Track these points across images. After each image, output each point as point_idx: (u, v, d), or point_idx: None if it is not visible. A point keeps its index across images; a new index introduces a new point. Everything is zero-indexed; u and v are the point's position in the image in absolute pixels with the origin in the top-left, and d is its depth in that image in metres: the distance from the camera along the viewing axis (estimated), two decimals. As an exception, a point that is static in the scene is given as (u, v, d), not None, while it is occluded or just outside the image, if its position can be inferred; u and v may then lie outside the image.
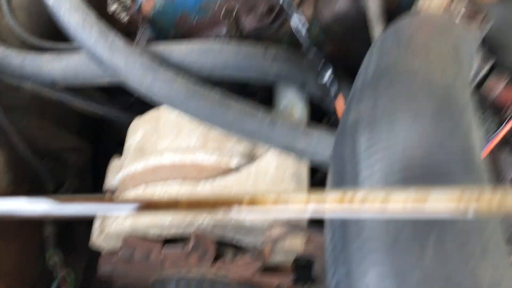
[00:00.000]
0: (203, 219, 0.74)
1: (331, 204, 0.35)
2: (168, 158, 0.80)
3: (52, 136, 1.21)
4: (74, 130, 1.33)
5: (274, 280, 0.84)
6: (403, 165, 0.35)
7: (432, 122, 0.37)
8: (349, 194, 0.34)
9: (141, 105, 0.99)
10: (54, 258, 1.13)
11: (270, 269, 0.86)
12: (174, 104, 0.73)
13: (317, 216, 0.36)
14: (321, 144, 0.74)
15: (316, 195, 0.35)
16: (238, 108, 0.72)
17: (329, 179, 0.41)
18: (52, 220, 1.17)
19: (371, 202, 0.33)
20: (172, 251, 0.75)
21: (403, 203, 0.33)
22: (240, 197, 0.37)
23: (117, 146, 1.48)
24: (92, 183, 1.34)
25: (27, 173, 1.16)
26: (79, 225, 1.35)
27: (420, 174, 0.35)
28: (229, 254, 0.82)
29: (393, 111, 0.38)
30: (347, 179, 0.38)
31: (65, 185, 1.16)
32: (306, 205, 0.35)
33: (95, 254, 1.39)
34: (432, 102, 0.39)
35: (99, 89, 1.23)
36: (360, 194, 0.34)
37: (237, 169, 0.81)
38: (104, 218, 0.84)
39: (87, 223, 1.35)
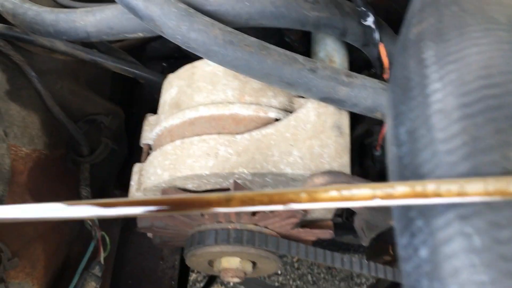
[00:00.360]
0: (243, 170, 0.73)
1: (399, 198, 0.32)
2: (204, 111, 0.79)
3: (85, 100, 1.22)
4: (107, 95, 1.34)
5: (314, 234, 0.83)
6: (480, 74, 0.32)
7: (507, 33, 0.34)
8: (419, 187, 0.31)
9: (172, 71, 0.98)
10: (91, 219, 1.14)
11: (309, 224, 0.85)
12: (211, 52, 0.71)
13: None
14: (364, 92, 0.71)
15: (382, 189, 0.32)
16: (277, 55, 0.69)
17: (390, 99, 0.39)
18: (87, 183, 1.18)
19: (444, 194, 0.30)
20: (212, 202, 0.74)
21: (481, 194, 0.29)
22: (296, 193, 0.34)
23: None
24: (127, 147, 1.35)
25: (62, 136, 1.17)
26: (114, 188, 1.36)
27: (502, 81, 0.32)
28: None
29: (462, 24, 0.35)
30: (414, 95, 0.35)
31: (100, 148, 1.17)
32: (371, 200, 0.33)
33: (131, 219, 1.41)
34: (504, 15, 0.36)
35: (131, 55, 1.23)
36: (431, 186, 0.30)
37: (275, 120, 0.79)
38: (143, 172, 0.84)
39: (123, 186, 1.36)
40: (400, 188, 0.31)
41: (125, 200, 0.38)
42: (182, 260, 1.48)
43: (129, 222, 1.42)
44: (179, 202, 0.34)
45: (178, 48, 1.38)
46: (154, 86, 1.31)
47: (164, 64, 1.50)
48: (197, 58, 0.98)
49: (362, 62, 0.91)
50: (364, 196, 0.32)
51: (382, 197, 0.31)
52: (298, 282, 2.80)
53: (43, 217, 0.36)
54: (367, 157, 0.99)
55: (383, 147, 0.94)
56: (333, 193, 0.33)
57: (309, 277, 2.87)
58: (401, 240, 0.34)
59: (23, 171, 1.07)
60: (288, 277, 2.77)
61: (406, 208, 0.34)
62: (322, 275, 2.86)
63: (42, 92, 1.08)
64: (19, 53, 1.05)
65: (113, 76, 1.40)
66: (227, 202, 0.33)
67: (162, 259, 1.41)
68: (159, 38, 1.44)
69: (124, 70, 1.10)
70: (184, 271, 1.58)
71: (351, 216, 1.21)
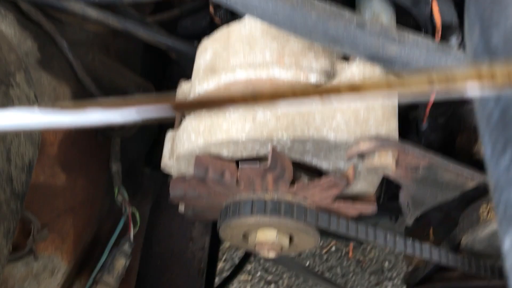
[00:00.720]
0: (282, 135, 0.68)
1: (460, 80, 0.26)
2: (241, 75, 0.75)
3: (116, 73, 1.19)
4: (138, 71, 1.31)
5: (355, 209, 0.78)
6: None
7: None
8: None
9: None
10: (121, 194, 1.12)
11: (350, 198, 0.80)
12: (250, 7, 0.66)
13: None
14: (416, 51, 0.65)
15: (439, 74, 0.26)
16: (321, 8, 0.64)
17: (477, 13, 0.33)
18: (117, 158, 1.15)
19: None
20: (248, 168, 0.70)
21: None
22: (335, 86, 0.29)
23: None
24: (157, 125, 1.32)
25: (93, 109, 1.14)
26: (144, 166, 1.33)
27: None
28: (306, 178, 0.76)
29: None
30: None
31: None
32: (427, 86, 0.27)
33: (160, 197, 1.38)
34: None
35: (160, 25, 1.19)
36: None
37: (317, 84, 0.74)
38: (176, 138, 0.80)
39: (153, 164, 1.34)
40: (462, 71, 0.25)
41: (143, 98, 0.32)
42: (212, 242, 1.44)
43: (159, 202, 1.39)
44: (202, 101, 0.30)
45: (209, 26, 1.34)
46: (187, 61, 1.27)
47: (196, 42, 1.46)
48: None
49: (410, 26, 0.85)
50: (418, 81, 0.26)
51: (440, 81, 0.25)
52: (327, 274, 2.74)
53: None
54: (411, 133, 0.93)
55: (430, 120, 0.88)
56: (380, 82, 0.27)
57: (338, 270, 2.80)
58: (502, 162, 0.28)
59: (53, 142, 1.05)
60: (316, 268, 2.71)
61: (503, 125, 0.28)
62: (351, 268, 2.80)
63: (73, 63, 1.05)
64: (50, 22, 1.03)
65: (144, 54, 1.37)
66: (253, 99, 0.28)
67: (191, 240, 1.38)
68: (191, 15, 1.40)
69: (157, 41, 1.06)
70: (214, 254, 1.55)
71: (391, 197, 1.15)
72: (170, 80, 1.49)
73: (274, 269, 2.74)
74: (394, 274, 2.72)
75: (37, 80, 1.03)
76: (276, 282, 2.73)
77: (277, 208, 0.73)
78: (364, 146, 0.64)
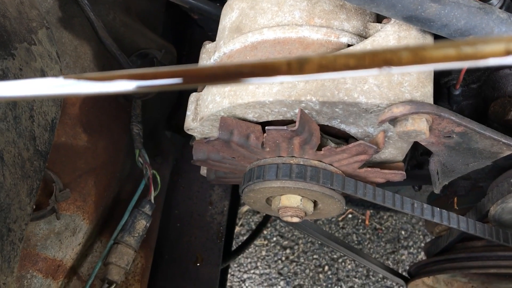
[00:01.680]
0: (310, 98, 0.66)
1: None
2: (269, 34, 0.72)
3: (138, 34, 1.16)
4: (159, 32, 1.28)
5: (383, 176, 0.76)
6: None
7: None
8: None
9: None
10: (142, 156, 1.11)
11: (377, 165, 0.78)
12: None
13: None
14: (457, 11, 0.62)
15: None
16: (358, -36, 0.61)
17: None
18: (138, 120, 1.14)
19: None
20: (275, 131, 0.68)
21: None
22: (395, 52, 0.26)
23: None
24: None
25: (114, 70, 1.13)
26: (165, 129, 1.32)
27: None
28: (334, 144, 0.73)
29: None
30: None
31: (152, 83, 1.12)
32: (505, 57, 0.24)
33: (180, 160, 1.38)
34: None
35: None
36: None
37: (347, 46, 0.71)
38: (199, 101, 0.78)
39: (174, 127, 1.32)
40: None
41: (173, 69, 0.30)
42: (231, 207, 1.44)
43: (179, 165, 1.39)
44: (239, 68, 0.27)
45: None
46: (209, 22, 1.24)
47: (218, 4, 1.43)
48: None
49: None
50: (493, 50, 0.23)
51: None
52: (343, 241, 2.75)
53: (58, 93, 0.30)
54: (442, 99, 0.89)
55: (462, 86, 0.85)
56: (449, 50, 0.25)
57: (354, 237, 2.81)
58: None
59: (75, 103, 1.04)
60: (332, 236, 2.72)
61: None
62: (368, 236, 2.80)
63: (94, 22, 1.03)
64: (71, -21, 1.00)
65: (165, 14, 1.34)
66: (300, 67, 0.26)
67: (211, 204, 1.38)
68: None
69: (181, 1, 1.03)
70: (232, 218, 1.55)
71: (415, 165, 1.12)
72: (190, 43, 1.46)
73: (290, 235, 2.76)
74: (411, 243, 2.72)
75: (58, 39, 1.01)
76: (291, 248, 2.76)
77: (302, 173, 0.71)
78: (397, 111, 0.62)
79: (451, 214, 0.79)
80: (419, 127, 0.62)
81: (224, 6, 0.85)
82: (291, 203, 0.75)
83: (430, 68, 0.25)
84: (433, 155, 0.74)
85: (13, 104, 0.63)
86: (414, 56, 0.25)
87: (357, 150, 0.69)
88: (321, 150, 0.71)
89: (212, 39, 1.28)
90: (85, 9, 1.02)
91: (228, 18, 0.81)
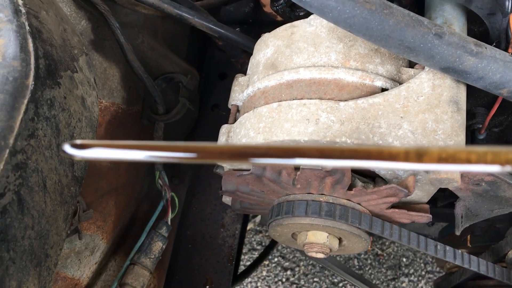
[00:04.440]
0: (345, 140, 0.68)
1: None
2: (305, 74, 0.74)
3: (164, 58, 1.19)
4: (183, 54, 1.30)
5: (409, 217, 0.77)
6: None
7: None
8: None
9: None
10: (162, 178, 1.12)
11: (403, 206, 0.79)
12: (326, 8, 0.65)
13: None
14: (493, 65, 0.64)
15: None
16: (400, 15, 0.63)
17: None
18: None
19: None
20: (309, 170, 0.69)
21: None
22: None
23: (217, 78, 1.45)
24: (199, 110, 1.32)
25: (139, 93, 1.15)
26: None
27: None
28: (362, 183, 0.75)
29: None
30: None
31: (177, 107, 1.14)
32: None
33: (195, 184, 1.39)
34: None
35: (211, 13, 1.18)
36: None
37: (381, 90, 0.73)
38: (231, 133, 0.80)
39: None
40: None
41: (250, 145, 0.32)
42: (242, 230, 1.45)
43: (193, 186, 1.40)
44: (351, 151, 0.29)
45: (252, 13, 1.33)
46: (234, 49, 1.26)
47: (238, 29, 1.45)
48: (269, 26, 0.92)
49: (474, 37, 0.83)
50: None
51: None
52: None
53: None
54: (466, 142, 0.91)
55: (488, 130, 0.87)
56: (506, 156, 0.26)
57: (356, 262, 2.81)
58: None
59: (101, 123, 1.06)
60: (333, 259, 2.72)
61: None
62: (369, 261, 2.80)
63: (124, 45, 1.05)
64: (104, 3, 1.03)
65: (189, 39, 1.36)
66: (418, 157, 0.27)
67: (223, 226, 1.39)
68: (234, 1, 1.38)
69: (209, 28, 1.05)
70: (241, 242, 1.56)
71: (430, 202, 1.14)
72: (209, 66, 1.48)
73: (291, 256, 2.76)
74: (411, 271, 2.72)
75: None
76: (292, 269, 2.76)
77: (331, 211, 0.72)
78: (432, 159, 0.63)
79: (472, 257, 0.81)
80: (452, 175, 0.64)
81: (258, 41, 0.87)
82: (318, 239, 0.76)
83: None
84: (459, 199, 0.76)
85: (57, 132, 0.65)
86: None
87: (388, 192, 0.71)
88: (351, 190, 0.73)
89: (235, 65, 1.31)
90: (116, 32, 1.04)
91: (262, 53, 0.83)
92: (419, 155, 0.27)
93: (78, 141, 0.31)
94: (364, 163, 0.28)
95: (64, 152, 0.30)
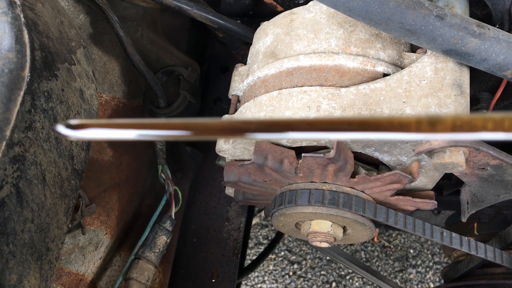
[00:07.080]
0: (347, 126, 0.66)
1: None
2: (305, 61, 0.73)
3: (164, 51, 1.18)
4: (183, 46, 1.30)
5: (414, 204, 0.76)
6: None
7: None
8: None
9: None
10: (165, 172, 1.12)
11: (407, 193, 0.78)
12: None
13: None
14: (497, 46, 0.62)
15: None
16: (400, -3, 0.61)
17: None
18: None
19: None
20: (311, 158, 0.68)
21: None
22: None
23: (219, 72, 1.44)
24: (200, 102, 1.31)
25: (140, 86, 1.14)
26: (184, 145, 1.33)
27: None
28: (365, 171, 0.74)
29: None
30: None
31: (178, 100, 1.13)
32: None
33: (199, 178, 1.38)
34: None
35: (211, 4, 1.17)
36: None
37: (383, 75, 0.72)
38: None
39: (193, 142, 1.33)
40: None
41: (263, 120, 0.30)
42: (247, 223, 1.44)
43: (197, 180, 1.40)
44: (359, 122, 0.27)
45: (252, 5, 1.31)
46: (234, 41, 1.25)
47: (238, 22, 1.44)
48: (270, 17, 0.90)
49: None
50: None
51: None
52: (351, 258, 2.74)
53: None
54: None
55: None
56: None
57: (363, 254, 2.80)
58: None
59: (102, 118, 1.05)
60: (340, 251, 2.71)
61: None
62: (376, 253, 2.79)
63: (123, 39, 1.04)
64: (103, -4, 1.02)
65: (189, 31, 1.35)
66: (431, 126, 0.26)
67: (227, 220, 1.38)
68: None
69: (208, 19, 1.04)
70: (247, 235, 1.55)
71: (436, 190, 1.12)
72: (210, 59, 1.47)
73: (298, 250, 2.76)
74: (419, 262, 2.71)
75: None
76: (299, 263, 2.75)
77: (335, 200, 0.72)
78: (436, 143, 0.62)
79: (479, 244, 0.80)
80: (456, 159, 0.62)
81: (258, 30, 0.86)
82: (322, 228, 0.75)
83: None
84: (464, 185, 0.75)
85: (55, 124, 0.64)
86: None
87: (392, 179, 0.70)
88: (354, 177, 0.72)
89: (236, 57, 1.30)
90: (115, 26, 1.03)
91: (262, 42, 0.82)
92: (432, 123, 0.26)
93: (73, 121, 0.30)
94: (374, 135, 0.27)
95: (59, 133, 0.29)
